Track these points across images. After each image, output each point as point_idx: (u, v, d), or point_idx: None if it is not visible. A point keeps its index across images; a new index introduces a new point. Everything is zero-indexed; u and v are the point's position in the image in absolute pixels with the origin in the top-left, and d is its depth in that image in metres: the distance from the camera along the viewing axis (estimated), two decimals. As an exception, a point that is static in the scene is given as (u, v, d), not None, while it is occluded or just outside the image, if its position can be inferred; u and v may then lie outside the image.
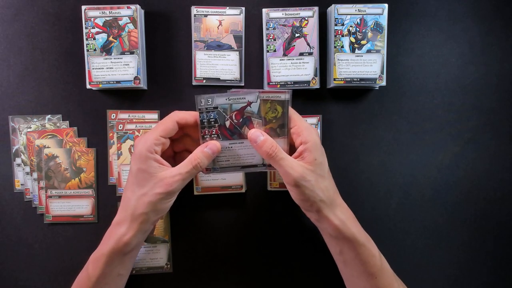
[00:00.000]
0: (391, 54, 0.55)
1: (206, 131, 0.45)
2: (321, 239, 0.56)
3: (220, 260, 0.56)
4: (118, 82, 0.52)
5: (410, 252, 0.57)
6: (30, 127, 0.54)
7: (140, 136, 0.46)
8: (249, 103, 0.45)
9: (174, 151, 0.50)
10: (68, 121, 0.55)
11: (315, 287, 0.56)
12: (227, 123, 0.45)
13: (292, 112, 0.46)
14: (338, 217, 0.44)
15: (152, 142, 0.43)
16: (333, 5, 0.52)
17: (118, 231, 0.43)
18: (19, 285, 0.55)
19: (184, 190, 0.55)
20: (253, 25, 0.55)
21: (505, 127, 0.57)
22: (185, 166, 0.43)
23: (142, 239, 0.46)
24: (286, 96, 0.45)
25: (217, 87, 0.55)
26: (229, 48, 0.54)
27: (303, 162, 0.43)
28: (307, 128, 0.45)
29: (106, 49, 0.51)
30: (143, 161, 0.42)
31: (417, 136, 0.56)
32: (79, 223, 0.55)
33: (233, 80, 0.55)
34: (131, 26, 0.51)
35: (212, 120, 0.45)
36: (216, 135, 0.45)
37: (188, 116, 0.45)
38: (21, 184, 0.55)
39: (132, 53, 0.52)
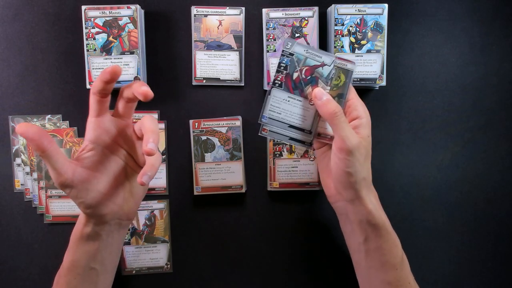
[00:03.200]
0: (391, 54, 0.55)
1: (276, 76, 0.44)
2: (321, 239, 0.56)
3: (220, 260, 0.56)
4: (118, 82, 0.51)
5: (410, 252, 0.57)
6: (30, 127, 0.54)
7: None
8: (323, 64, 0.43)
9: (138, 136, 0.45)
10: (68, 121, 0.55)
11: (316, 287, 0.57)
12: (295, 75, 0.44)
13: (351, 86, 0.45)
14: (372, 201, 0.44)
15: (88, 122, 0.41)
16: (333, 5, 0.52)
17: (80, 215, 0.43)
18: (19, 285, 0.55)
19: (184, 190, 0.55)
20: (253, 25, 0.55)
21: (505, 127, 0.57)
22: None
23: (102, 229, 0.43)
24: (352, 66, 0.44)
25: (217, 87, 0.55)
26: (229, 48, 0.54)
27: (358, 135, 0.42)
28: (362, 104, 0.44)
29: (106, 49, 0.51)
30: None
31: (417, 136, 0.56)
32: (79, 223, 0.55)
33: (233, 80, 0.55)
34: (131, 26, 0.51)
35: (282, 65, 0.44)
36: (279, 82, 0.44)
37: (96, 82, 0.40)
38: (21, 184, 0.55)
39: (132, 53, 0.52)
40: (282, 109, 0.44)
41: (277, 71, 0.44)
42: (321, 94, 0.42)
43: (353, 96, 0.44)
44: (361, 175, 0.42)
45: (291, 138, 0.45)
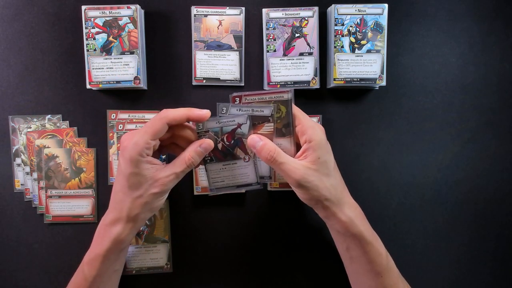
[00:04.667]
0: (391, 54, 0.55)
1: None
2: (321, 239, 0.56)
3: (220, 260, 0.56)
4: (118, 82, 0.52)
5: (410, 252, 0.57)
6: (30, 127, 0.54)
7: (127, 135, 0.43)
8: (239, 125, 0.45)
9: (160, 144, 0.48)
10: (68, 121, 0.55)
11: (316, 287, 0.57)
12: (219, 146, 0.45)
13: (297, 110, 0.45)
14: (346, 214, 0.44)
15: (143, 146, 0.41)
16: (333, 5, 0.52)
17: (114, 231, 0.43)
18: (19, 285, 0.55)
19: (184, 190, 0.55)
20: (253, 25, 0.55)
21: (505, 127, 0.57)
22: (179, 165, 0.43)
23: (135, 234, 0.47)
24: (288, 95, 0.45)
25: (217, 87, 0.55)
26: (229, 48, 0.54)
27: (305, 161, 0.43)
28: (311, 126, 0.44)
29: (106, 49, 0.51)
30: (136, 165, 0.41)
31: (417, 136, 0.56)
32: (79, 223, 0.55)
33: (233, 80, 0.55)
34: (131, 26, 0.51)
35: None
36: (209, 158, 0.46)
37: (178, 116, 0.43)
38: (21, 184, 0.55)
39: (132, 53, 0.52)
40: (223, 176, 0.47)
41: None
42: (254, 142, 0.44)
43: (299, 121, 0.45)
44: (321, 197, 0.43)
45: (239, 186, 0.48)
